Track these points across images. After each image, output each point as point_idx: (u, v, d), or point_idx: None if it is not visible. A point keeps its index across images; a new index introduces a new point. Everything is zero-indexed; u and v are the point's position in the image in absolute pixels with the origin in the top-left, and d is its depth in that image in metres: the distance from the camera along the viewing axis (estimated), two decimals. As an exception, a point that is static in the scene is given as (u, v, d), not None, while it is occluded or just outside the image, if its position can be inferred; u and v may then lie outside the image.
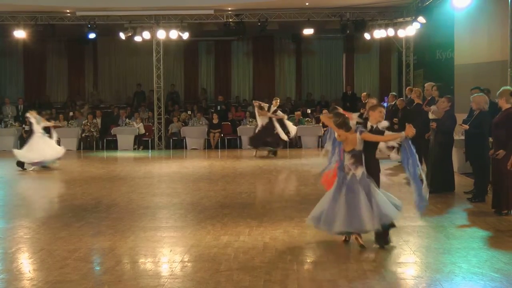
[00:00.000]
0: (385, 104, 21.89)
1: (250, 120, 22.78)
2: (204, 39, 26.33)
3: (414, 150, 7.44)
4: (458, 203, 10.60)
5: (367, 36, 21.61)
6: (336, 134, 7.58)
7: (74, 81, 27.28)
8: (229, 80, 27.23)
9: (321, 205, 7.65)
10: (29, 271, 6.63)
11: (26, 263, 6.98)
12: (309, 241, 7.89)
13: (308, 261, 7.13)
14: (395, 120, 16.25)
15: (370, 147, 7.56)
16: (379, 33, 21.07)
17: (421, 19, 18.57)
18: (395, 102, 17.59)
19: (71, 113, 24.13)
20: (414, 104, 14.35)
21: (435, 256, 7.10)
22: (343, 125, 7.41)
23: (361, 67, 26.70)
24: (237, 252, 7.28)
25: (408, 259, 7.04)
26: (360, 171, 7.39)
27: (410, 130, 7.32)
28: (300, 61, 27.04)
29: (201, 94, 26.40)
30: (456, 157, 12.88)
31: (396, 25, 20.72)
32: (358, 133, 7.39)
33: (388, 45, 24.30)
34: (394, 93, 19.73)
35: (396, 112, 16.55)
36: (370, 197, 7.29)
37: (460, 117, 11.58)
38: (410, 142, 7.43)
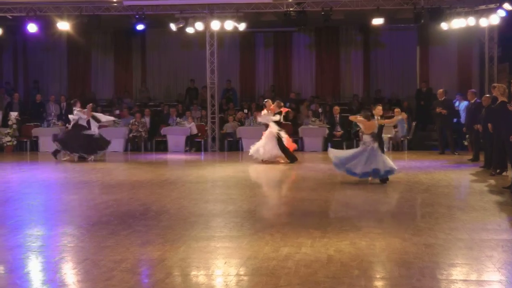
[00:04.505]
0: (456, 102, 21.48)
1: (313, 119, 22.72)
2: (262, 30, 26.43)
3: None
4: (549, 214, 10.33)
5: (444, 26, 21.30)
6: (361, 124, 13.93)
7: (121, 76, 27.67)
8: (289, 76, 27.21)
9: (345, 156, 13.87)
10: (73, 283, 6.76)
11: (70, 274, 7.10)
12: (378, 254, 7.80)
13: (377, 276, 7.05)
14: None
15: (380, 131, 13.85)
16: (458, 23, 20.75)
17: (507, 5, 18.21)
18: (476, 100, 17.30)
19: (117, 111, 24.49)
20: (498, 102, 14.09)
21: (523, 274, 6.93)
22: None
23: (437, 61, 26.28)
24: (298, 266, 7.26)
25: (491, 277, 6.88)
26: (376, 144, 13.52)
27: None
28: (368, 55, 26.85)
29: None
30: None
31: (477, 13, 20.36)
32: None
33: (468, 35, 23.84)
34: (473, 90, 19.40)
35: (478, 110, 16.26)
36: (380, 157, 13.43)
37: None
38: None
